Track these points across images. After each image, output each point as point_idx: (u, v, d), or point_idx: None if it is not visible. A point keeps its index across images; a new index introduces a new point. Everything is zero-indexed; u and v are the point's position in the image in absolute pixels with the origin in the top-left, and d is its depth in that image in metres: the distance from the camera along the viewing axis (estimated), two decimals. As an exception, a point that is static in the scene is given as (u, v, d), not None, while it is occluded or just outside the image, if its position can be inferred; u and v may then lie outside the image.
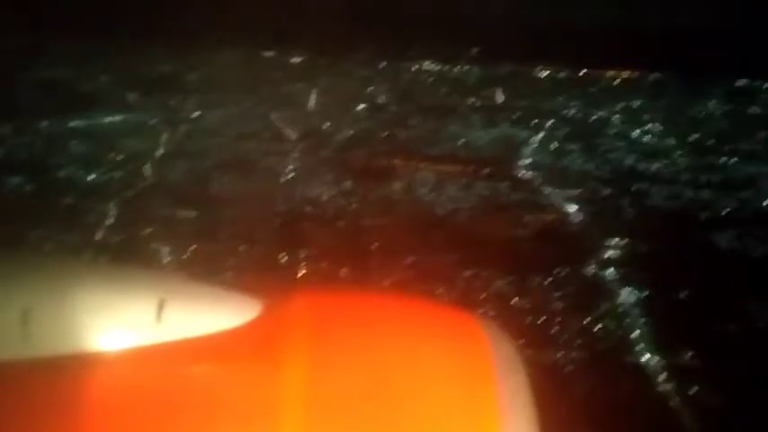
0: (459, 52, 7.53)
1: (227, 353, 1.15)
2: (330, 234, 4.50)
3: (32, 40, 6.70)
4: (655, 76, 7.53)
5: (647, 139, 6.51)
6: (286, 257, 4.14)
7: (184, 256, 4.18)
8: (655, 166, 5.95)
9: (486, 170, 5.71)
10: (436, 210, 5.09)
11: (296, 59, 7.55)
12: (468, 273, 4.16)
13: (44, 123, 5.89)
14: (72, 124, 5.93)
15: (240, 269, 3.82)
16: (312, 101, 6.84)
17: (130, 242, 4.51)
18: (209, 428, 1.08)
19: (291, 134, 6.14)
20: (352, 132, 6.26)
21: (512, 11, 7.24)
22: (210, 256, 4.16)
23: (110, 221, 4.78)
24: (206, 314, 1.19)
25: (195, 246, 4.23)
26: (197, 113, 6.29)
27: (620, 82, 7.53)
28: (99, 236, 4.64)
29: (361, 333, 1.17)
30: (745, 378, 3.41)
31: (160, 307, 1.16)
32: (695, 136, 6.50)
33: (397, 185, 5.37)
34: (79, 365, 1.10)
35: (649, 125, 6.69)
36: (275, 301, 1.21)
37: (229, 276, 3.98)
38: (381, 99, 7.01)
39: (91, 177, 5.30)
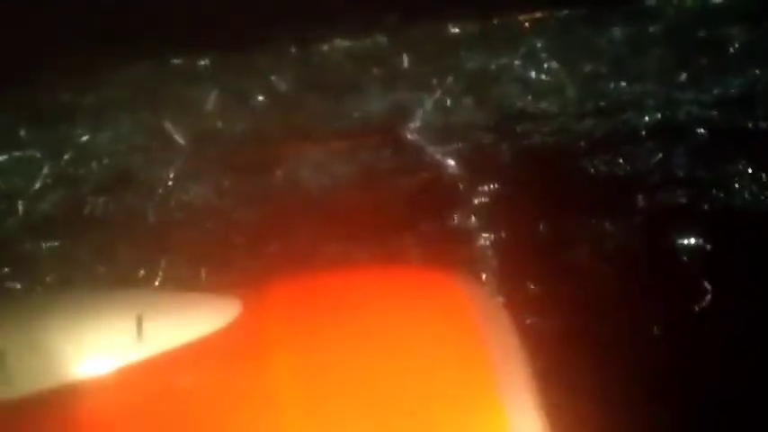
0: (374, 23, 7.42)
1: (215, 356, 1.13)
2: (194, 237, 4.50)
3: None
4: (562, 13, 7.44)
5: (542, 78, 6.46)
6: (143, 271, 4.15)
7: (38, 289, 4.19)
8: (543, 105, 5.91)
9: (374, 140, 5.69)
10: (314, 190, 5.08)
11: (203, 62, 7.48)
12: (330, 248, 4.17)
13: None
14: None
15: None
16: (210, 102, 6.79)
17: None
18: None
19: (180, 139, 6.11)
20: (243, 127, 6.22)
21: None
22: (65, 284, 4.17)
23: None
24: (185, 321, 1.17)
25: (50, 277, 4.24)
26: (85, 137, 6.24)
27: (529, 25, 7.44)
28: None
29: (343, 311, 1.16)
30: (584, 301, 3.42)
31: (139, 323, 1.14)
32: (590, 66, 6.44)
33: (279, 173, 5.35)
34: (69, 396, 1.09)
35: (546, 64, 6.63)
36: (250, 297, 1.19)
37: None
38: (282, 87, 6.95)
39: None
